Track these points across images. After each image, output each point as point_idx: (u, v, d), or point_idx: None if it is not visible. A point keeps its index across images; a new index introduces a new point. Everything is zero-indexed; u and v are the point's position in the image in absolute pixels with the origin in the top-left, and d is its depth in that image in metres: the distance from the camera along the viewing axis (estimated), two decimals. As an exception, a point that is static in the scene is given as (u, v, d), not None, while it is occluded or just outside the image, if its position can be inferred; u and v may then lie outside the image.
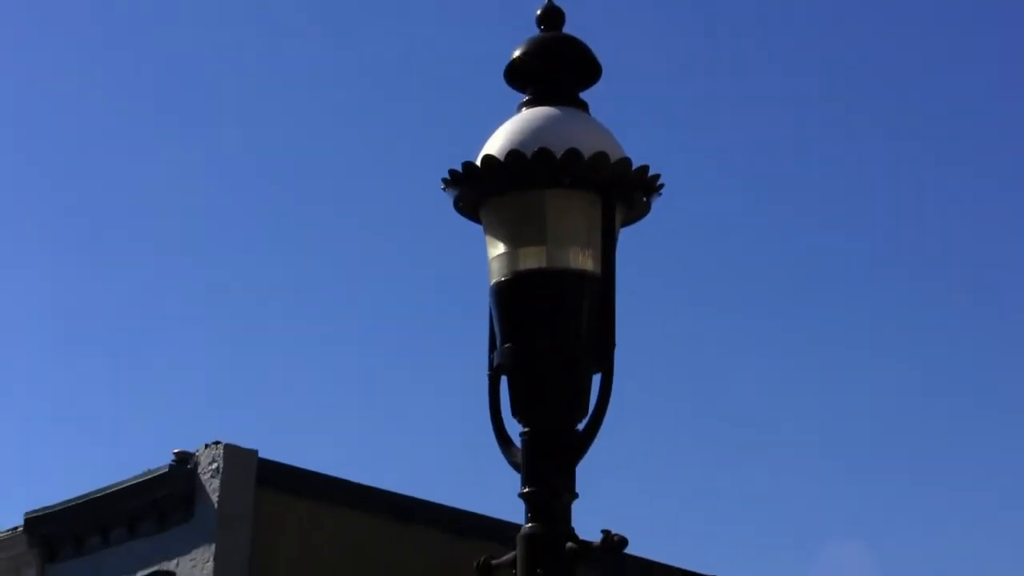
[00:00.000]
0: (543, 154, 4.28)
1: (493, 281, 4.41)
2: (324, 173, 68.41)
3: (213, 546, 22.57)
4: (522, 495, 4.24)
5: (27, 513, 26.12)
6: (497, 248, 4.41)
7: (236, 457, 22.96)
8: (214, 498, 22.74)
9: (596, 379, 4.33)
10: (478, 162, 4.39)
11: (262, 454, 23.25)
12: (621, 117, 4.53)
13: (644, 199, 4.46)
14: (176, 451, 23.35)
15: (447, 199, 4.51)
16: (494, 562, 4.31)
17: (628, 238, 4.51)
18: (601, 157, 4.29)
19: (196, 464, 23.13)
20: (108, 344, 68.11)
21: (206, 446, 23.19)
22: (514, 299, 4.36)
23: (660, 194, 4.46)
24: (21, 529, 26.29)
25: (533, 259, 4.34)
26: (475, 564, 4.39)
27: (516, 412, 4.35)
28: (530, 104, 4.51)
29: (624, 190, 4.39)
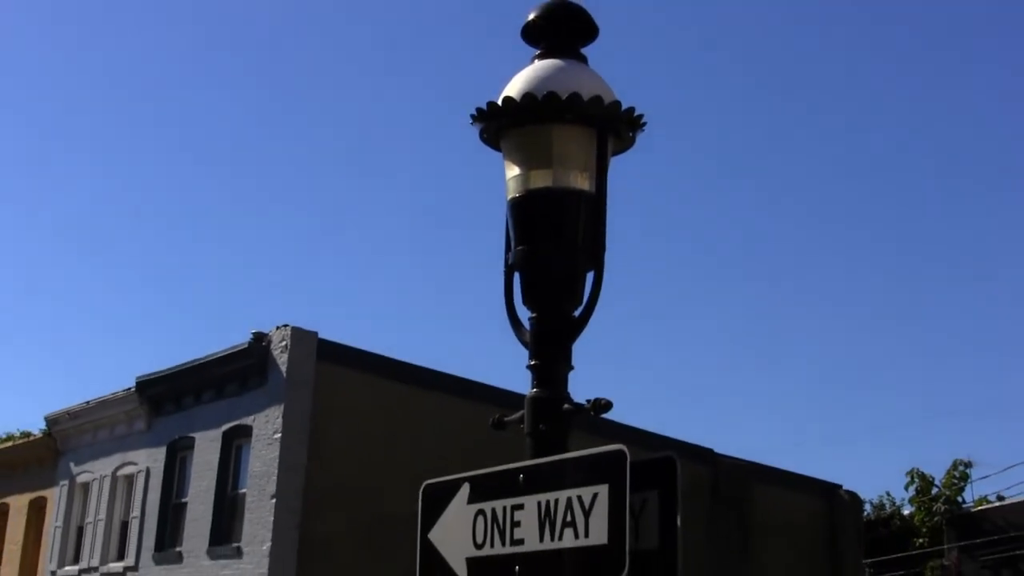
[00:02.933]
0: (551, 96, 4.26)
1: (509, 197, 4.40)
2: (390, 115, 67.98)
3: (282, 406, 22.73)
4: (529, 367, 4.24)
5: (138, 377, 26.33)
6: (513, 170, 4.40)
7: (301, 337, 23.09)
8: (283, 369, 22.87)
9: (590, 276, 4.32)
10: (500, 102, 4.37)
11: (321, 335, 23.40)
12: (612, 67, 4.48)
13: (630, 134, 4.45)
14: (254, 331, 23.48)
15: (475, 132, 4.50)
16: (506, 419, 4.32)
17: (617, 164, 4.49)
18: (597, 99, 4.27)
19: (269, 342, 23.26)
20: (201, 241, 68.03)
21: (277, 328, 23.31)
22: (526, 211, 4.34)
23: (643, 130, 4.45)
24: (133, 390, 26.51)
25: (542, 179, 4.32)
26: (490, 420, 4.40)
27: (526, 301, 4.35)
28: (541, 57, 4.48)
29: (614, 126, 4.37)
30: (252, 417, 23.41)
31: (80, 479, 28.60)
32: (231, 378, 24.13)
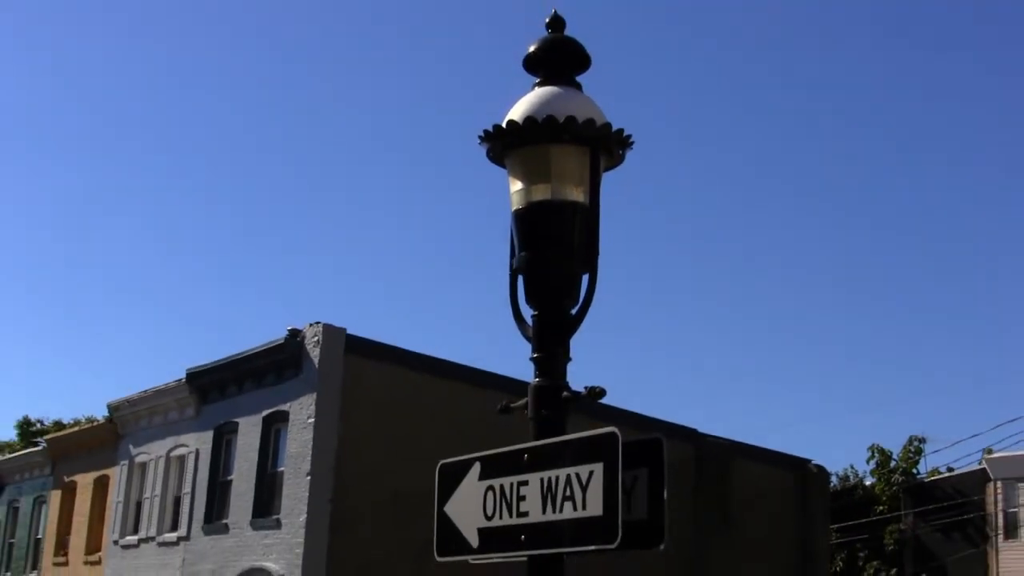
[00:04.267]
0: (550, 119, 4.24)
1: (513, 208, 4.38)
2: (406, 137, 68.00)
3: (315, 395, 22.74)
4: (532, 359, 4.23)
5: (188, 369, 26.35)
6: (516, 185, 4.38)
7: (331, 332, 23.09)
8: (315, 361, 22.88)
9: (585, 278, 4.30)
10: (504, 125, 4.35)
11: (349, 331, 23.38)
12: (603, 93, 4.49)
13: (620, 152, 4.43)
14: (289, 328, 23.49)
15: (483, 150, 4.49)
16: (512, 405, 4.31)
17: (609, 179, 4.48)
18: (590, 122, 4.26)
19: (303, 337, 23.26)
20: (243, 249, 68.02)
21: (310, 325, 23.31)
22: (528, 221, 4.32)
23: (631, 148, 4.44)
24: (184, 380, 26.52)
25: (542, 193, 4.30)
26: (498, 406, 4.39)
27: (528, 300, 4.33)
28: (541, 84, 4.46)
29: (606, 145, 4.35)
30: (288, 404, 23.43)
31: (138, 459, 28.64)
32: (270, 369, 24.15)
